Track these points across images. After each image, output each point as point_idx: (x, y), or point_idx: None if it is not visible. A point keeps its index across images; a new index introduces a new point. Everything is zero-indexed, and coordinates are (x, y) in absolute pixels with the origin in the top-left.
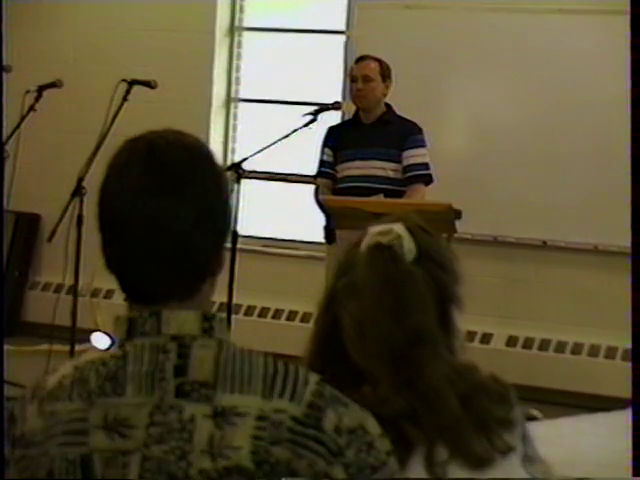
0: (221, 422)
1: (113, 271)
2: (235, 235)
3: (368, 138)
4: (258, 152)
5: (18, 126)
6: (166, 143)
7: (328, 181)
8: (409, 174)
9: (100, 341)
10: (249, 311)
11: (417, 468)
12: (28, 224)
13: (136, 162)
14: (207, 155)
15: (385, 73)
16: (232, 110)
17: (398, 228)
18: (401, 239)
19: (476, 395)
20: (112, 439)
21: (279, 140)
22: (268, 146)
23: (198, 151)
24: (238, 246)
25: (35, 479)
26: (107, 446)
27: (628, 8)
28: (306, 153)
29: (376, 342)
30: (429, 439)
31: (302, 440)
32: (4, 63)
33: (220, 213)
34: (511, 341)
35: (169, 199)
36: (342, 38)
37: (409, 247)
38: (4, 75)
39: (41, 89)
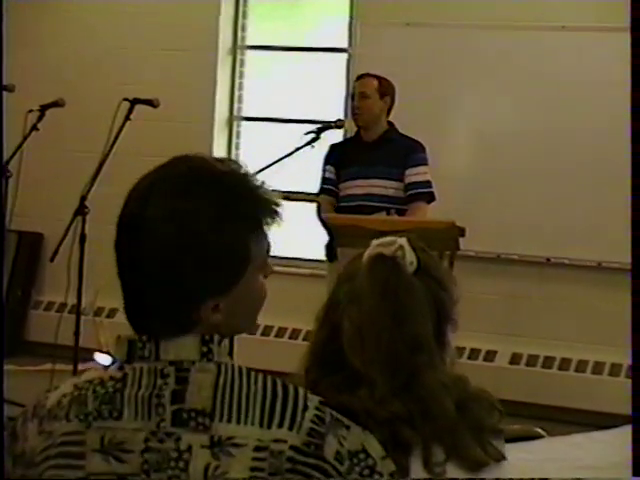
0: (218, 452)
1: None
2: None
3: (370, 157)
4: (261, 170)
5: (20, 145)
6: (195, 180)
7: (331, 198)
8: (411, 192)
9: (103, 361)
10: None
11: (417, 469)
12: (31, 243)
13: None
14: (235, 196)
15: (384, 90)
16: (235, 128)
17: (401, 240)
18: (404, 250)
19: (469, 403)
20: (108, 462)
21: (282, 158)
22: (271, 164)
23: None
24: None
25: None
26: (103, 470)
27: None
28: (309, 171)
29: (375, 347)
30: (425, 441)
31: (303, 469)
32: (5, 83)
33: (221, 257)
34: (515, 358)
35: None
36: (344, 56)
37: (410, 259)
38: (4, 94)
39: (43, 108)
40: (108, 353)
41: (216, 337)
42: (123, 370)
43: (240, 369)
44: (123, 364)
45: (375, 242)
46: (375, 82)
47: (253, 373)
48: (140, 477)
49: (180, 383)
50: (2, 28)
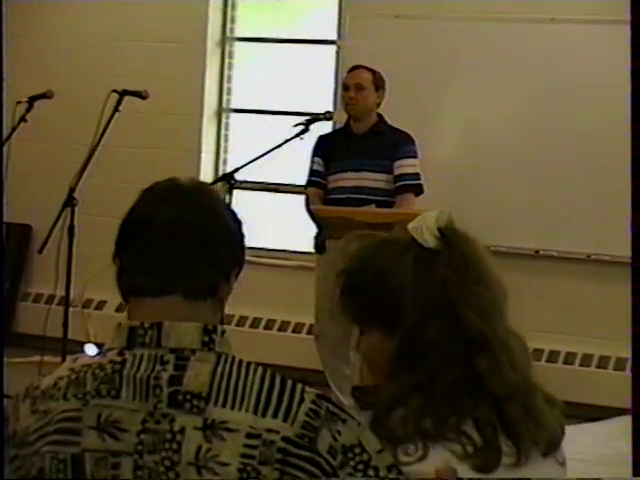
0: (210, 435)
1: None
2: None
3: (360, 149)
4: (250, 162)
5: (9, 137)
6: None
7: (319, 190)
8: (399, 184)
9: (91, 352)
10: (241, 322)
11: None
12: (19, 235)
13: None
14: (223, 210)
15: (378, 83)
16: (224, 120)
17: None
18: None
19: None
20: (103, 439)
21: (271, 150)
22: (260, 156)
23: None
24: None
25: (27, 479)
26: (98, 446)
27: (622, 17)
28: (298, 163)
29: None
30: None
31: (294, 461)
32: None
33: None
34: None
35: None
36: (333, 48)
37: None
38: (4, 93)
39: (32, 100)
40: (97, 344)
41: (219, 327)
42: (123, 355)
43: (240, 361)
44: (123, 350)
45: (430, 218)
46: (370, 74)
47: (253, 365)
48: (133, 457)
49: (179, 369)
50: (2, 28)
